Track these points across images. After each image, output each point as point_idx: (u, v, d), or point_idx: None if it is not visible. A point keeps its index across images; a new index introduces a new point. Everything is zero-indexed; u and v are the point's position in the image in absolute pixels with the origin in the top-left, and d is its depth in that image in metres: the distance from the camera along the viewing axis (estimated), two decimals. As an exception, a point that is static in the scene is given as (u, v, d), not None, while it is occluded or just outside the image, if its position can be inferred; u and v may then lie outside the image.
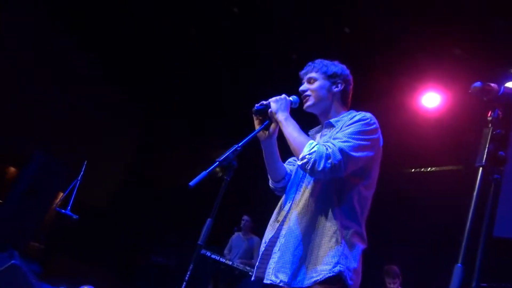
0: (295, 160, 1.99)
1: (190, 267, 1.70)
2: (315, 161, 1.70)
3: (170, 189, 8.48)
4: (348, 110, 2.06)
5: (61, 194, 5.56)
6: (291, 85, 2.32)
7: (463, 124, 5.28)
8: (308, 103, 2.04)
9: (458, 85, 5.22)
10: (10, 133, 6.64)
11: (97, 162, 6.36)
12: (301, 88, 2.07)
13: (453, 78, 5.20)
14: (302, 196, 1.89)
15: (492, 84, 1.38)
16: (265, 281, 1.85)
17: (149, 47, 7.40)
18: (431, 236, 5.92)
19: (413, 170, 6.99)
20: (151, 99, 9.16)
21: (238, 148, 1.77)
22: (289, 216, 1.88)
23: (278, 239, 1.87)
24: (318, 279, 1.70)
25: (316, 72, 2.04)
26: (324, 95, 2.02)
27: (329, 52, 2.55)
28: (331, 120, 1.98)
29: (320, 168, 1.69)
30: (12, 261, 3.14)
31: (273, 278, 1.80)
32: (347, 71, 2.09)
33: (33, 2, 7.17)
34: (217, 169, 1.69)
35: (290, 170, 2.12)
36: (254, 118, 2.05)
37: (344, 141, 1.75)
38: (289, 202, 1.93)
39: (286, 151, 1.98)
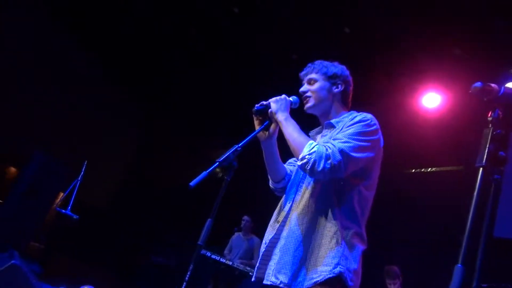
0: (296, 161, 1.99)
1: (190, 267, 1.70)
2: (314, 161, 1.70)
3: (170, 189, 8.48)
4: (349, 111, 2.05)
5: (61, 194, 5.56)
6: (291, 85, 2.31)
7: (463, 125, 5.28)
8: (309, 104, 2.04)
9: (458, 86, 5.22)
10: (10, 133, 6.64)
11: (97, 162, 6.35)
12: (302, 89, 2.07)
13: (453, 78, 5.20)
14: (302, 197, 1.88)
15: (493, 85, 1.37)
16: (265, 282, 1.85)
17: (149, 47, 7.40)
18: (431, 237, 5.92)
19: (413, 170, 6.99)
20: (151, 99, 9.16)
21: (238, 149, 1.77)
22: (289, 216, 1.88)
23: (279, 240, 1.87)
24: (318, 280, 1.70)
25: (316, 73, 2.04)
26: (324, 96, 2.02)
27: (329, 52, 2.55)
28: (332, 121, 1.98)
29: (319, 169, 1.69)
30: (12, 261, 3.14)
31: (273, 279, 1.79)
32: (347, 72, 2.09)
33: (33, 2, 7.17)
34: (217, 169, 1.69)
35: (290, 171, 2.11)
36: (254, 118, 2.05)
37: (344, 142, 1.75)
38: (289, 203, 1.93)
39: (286, 151, 1.98)
